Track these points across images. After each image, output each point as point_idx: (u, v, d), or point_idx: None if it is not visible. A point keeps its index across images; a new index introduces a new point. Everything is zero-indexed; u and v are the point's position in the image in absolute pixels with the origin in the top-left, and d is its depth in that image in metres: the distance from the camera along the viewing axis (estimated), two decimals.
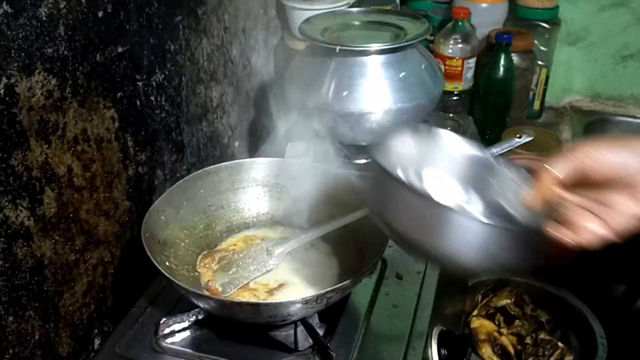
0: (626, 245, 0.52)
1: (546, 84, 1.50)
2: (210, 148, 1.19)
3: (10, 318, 0.71)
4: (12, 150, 0.68)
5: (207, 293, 0.65)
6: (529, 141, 1.17)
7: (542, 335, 0.88)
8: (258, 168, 0.87)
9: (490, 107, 1.38)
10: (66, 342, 0.81)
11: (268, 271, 0.78)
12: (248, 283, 0.76)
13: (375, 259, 0.69)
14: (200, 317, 0.73)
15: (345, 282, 0.65)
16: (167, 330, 0.72)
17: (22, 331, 0.73)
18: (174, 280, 0.66)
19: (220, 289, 0.74)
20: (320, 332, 0.73)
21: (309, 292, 0.73)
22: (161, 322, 0.73)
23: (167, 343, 0.72)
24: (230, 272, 0.76)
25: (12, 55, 0.65)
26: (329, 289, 0.63)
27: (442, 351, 0.73)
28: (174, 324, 0.73)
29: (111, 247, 0.89)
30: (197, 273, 0.79)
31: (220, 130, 1.23)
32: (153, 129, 0.97)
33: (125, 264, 0.92)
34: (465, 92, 1.36)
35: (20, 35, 0.66)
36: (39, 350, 0.76)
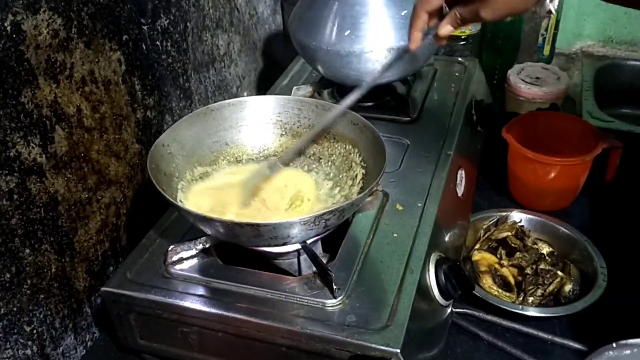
0: None
1: (556, 28, 1.48)
2: (219, 96, 1.21)
3: (27, 250, 0.75)
4: (22, 88, 0.71)
5: (210, 215, 0.68)
6: None
7: (542, 266, 0.90)
8: (261, 105, 0.89)
9: (498, 51, 1.38)
10: (82, 276, 0.85)
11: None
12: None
13: (373, 182, 0.71)
14: (207, 245, 0.76)
15: (342, 204, 0.67)
16: (175, 258, 0.76)
17: (39, 263, 0.77)
18: (178, 204, 0.68)
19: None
20: (323, 260, 0.76)
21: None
22: (169, 249, 0.76)
23: (175, 269, 0.76)
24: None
25: None
26: (326, 210, 0.66)
27: (440, 275, 0.76)
28: (182, 251, 0.76)
29: (123, 187, 0.92)
30: None
31: (229, 80, 1.25)
32: (160, 74, 0.99)
33: (137, 205, 0.96)
34: (473, 37, 1.35)
35: None
36: (56, 282, 0.80)
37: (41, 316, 0.79)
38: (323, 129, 0.83)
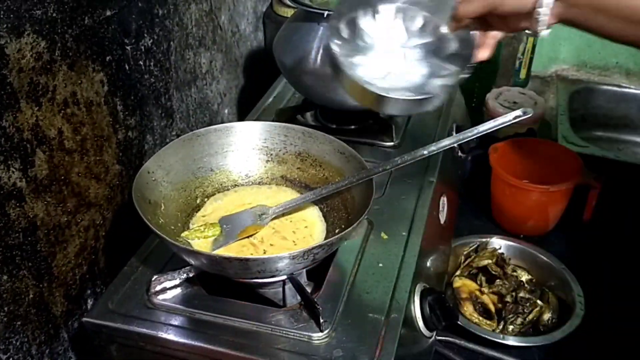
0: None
1: (533, 52, 1.51)
2: (200, 114, 1.20)
3: (5, 277, 0.73)
4: (3, 112, 0.69)
5: (197, 249, 0.67)
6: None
7: (521, 294, 0.91)
8: (247, 131, 0.88)
9: (476, 74, 1.39)
10: (60, 301, 0.83)
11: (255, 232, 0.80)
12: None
13: (360, 217, 0.71)
14: (191, 274, 0.75)
15: (330, 239, 0.67)
16: (158, 287, 0.74)
17: (17, 290, 0.75)
18: (165, 237, 0.67)
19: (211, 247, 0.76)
20: (308, 289, 0.75)
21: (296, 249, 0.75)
22: (153, 279, 0.74)
23: (158, 299, 0.74)
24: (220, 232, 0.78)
25: (1, 16, 0.66)
26: (315, 244, 0.65)
27: (425, 307, 0.76)
28: (165, 281, 0.75)
29: (102, 210, 0.91)
30: (187, 232, 0.81)
31: (210, 97, 1.24)
32: (142, 94, 0.98)
33: (116, 227, 0.94)
34: None
35: None
36: (33, 308, 0.78)
37: (17, 343, 0.77)
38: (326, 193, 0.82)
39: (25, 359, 0.78)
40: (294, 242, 0.79)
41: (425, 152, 0.77)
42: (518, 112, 0.79)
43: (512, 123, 0.79)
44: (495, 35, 0.74)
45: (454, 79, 0.75)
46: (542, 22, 0.64)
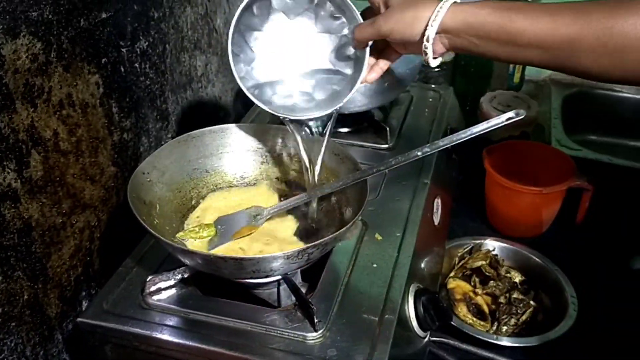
0: None
1: None
2: (195, 117, 1.20)
3: None
4: None
5: (192, 249, 0.67)
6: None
7: (515, 295, 0.92)
8: (242, 133, 0.88)
9: (470, 78, 1.40)
10: (54, 302, 0.83)
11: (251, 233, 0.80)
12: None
13: (354, 218, 0.71)
14: (185, 275, 0.76)
15: (325, 239, 0.67)
16: (153, 288, 0.75)
17: (11, 291, 0.75)
18: (160, 237, 0.68)
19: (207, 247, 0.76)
20: (303, 290, 0.76)
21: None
22: (147, 279, 0.75)
23: (153, 300, 0.75)
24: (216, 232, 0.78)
25: None
26: (310, 244, 0.66)
27: (419, 307, 0.76)
28: (160, 281, 0.75)
29: (97, 211, 0.91)
30: (182, 232, 0.81)
31: (205, 100, 1.24)
32: (137, 96, 0.98)
33: (111, 229, 0.94)
34: (447, 64, 1.38)
35: None
36: (28, 309, 0.78)
37: (12, 345, 0.76)
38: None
39: None
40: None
41: (419, 153, 0.77)
42: (511, 114, 0.79)
43: (506, 124, 0.79)
44: (386, 63, 0.76)
45: (344, 92, 0.76)
46: (429, 53, 0.67)
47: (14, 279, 0.75)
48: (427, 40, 0.65)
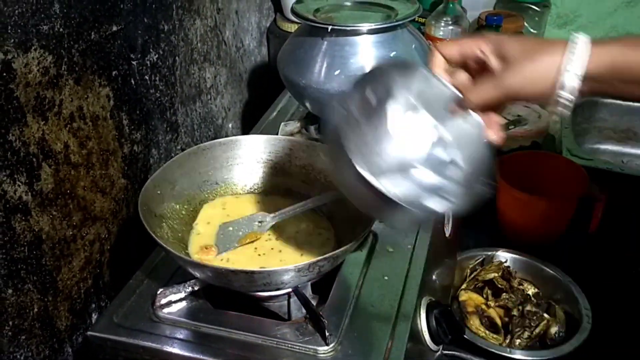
0: None
1: None
2: (205, 129, 1.21)
3: (10, 291, 0.73)
4: (10, 126, 0.69)
5: (203, 262, 0.67)
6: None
7: (528, 307, 0.91)
8: (252, 145, 0.88)
9: None
10: (64, 315, 0.83)
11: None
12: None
13: (365, 230, 0.71)
14: (196, 288, 0.75)
15: (336, 251, 0.67)
16: (164, 301, 0.74)
17: (21, 304, 0.75)
18: (171, 250, 0.67)
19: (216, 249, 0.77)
20: (313, 302, 0.75)
21: (302, 260, 0.75)
22: (158, 292, 0.74)
23: (164, 313, 0.74)
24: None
25: (9, 31, 0.67)
26: (321, 257, 0.65)
27: (431, 320, 0.76)
28: (171, 294, 0.74)
29: (108, 223, 0.91)
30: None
31: (214, 111, 1.24)
32: (148, 108, 0.98)
33: (121, 241, 0.94)
34: None
35: (17, 11, 0.67)
36: (38, 322, 0.78)
37: (22, 358, 0.76)
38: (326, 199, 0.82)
39: None
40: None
41: None
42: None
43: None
44: (499, 117, 0.64)
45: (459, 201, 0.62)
46: (564, 104, 0.56)
47: (24, 291, 0.75)
48: (565, 90, 0.55)
